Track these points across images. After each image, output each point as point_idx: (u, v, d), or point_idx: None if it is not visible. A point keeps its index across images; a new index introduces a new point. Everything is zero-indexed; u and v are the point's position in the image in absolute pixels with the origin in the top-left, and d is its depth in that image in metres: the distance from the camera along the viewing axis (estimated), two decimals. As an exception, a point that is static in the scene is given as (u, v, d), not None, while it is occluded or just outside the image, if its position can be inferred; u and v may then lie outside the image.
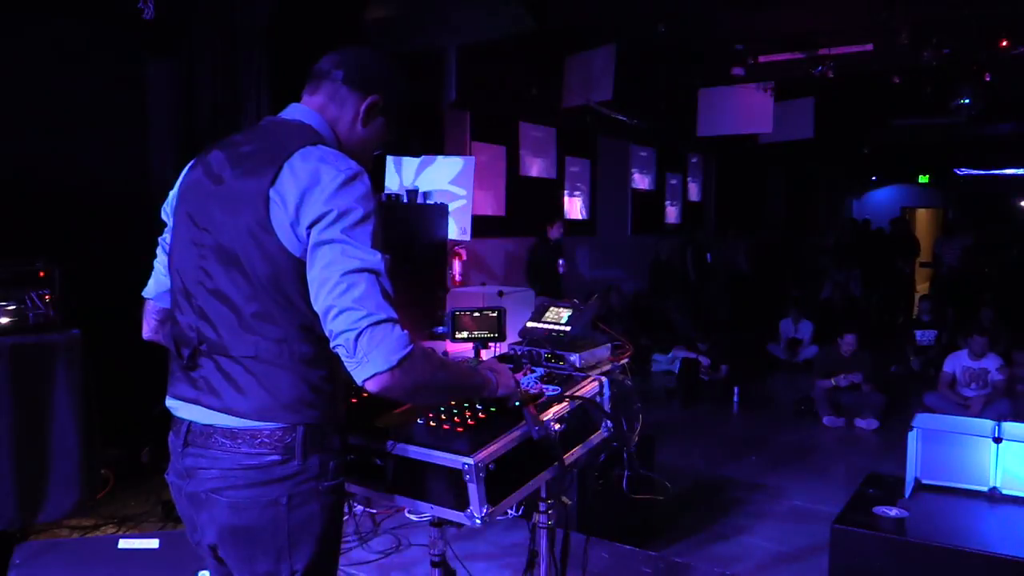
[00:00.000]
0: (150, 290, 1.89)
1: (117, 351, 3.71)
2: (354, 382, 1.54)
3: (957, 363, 7.25)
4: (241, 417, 1.58)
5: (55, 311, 3.76)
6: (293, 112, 1.75)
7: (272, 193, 1.55)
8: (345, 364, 1.53)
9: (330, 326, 1.51)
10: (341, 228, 1.52)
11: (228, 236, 1.59)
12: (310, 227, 1.52)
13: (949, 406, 6.95)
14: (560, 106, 9.13)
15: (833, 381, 7.26)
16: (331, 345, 1.53)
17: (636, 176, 12.35)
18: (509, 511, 3.71)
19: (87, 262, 4.32)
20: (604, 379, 2.16)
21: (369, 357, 1.47)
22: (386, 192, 6.20)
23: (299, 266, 1.56)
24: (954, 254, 11.91)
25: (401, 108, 1.81)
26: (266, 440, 1.58)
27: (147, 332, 1.90)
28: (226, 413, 1.59)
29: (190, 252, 1.67)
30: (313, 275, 1.53)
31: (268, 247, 1.55)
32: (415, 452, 1.73)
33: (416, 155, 6.74)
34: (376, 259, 1.51)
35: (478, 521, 1.65)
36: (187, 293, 1.67)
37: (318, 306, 1.52)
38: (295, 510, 1.59)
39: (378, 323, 1.48)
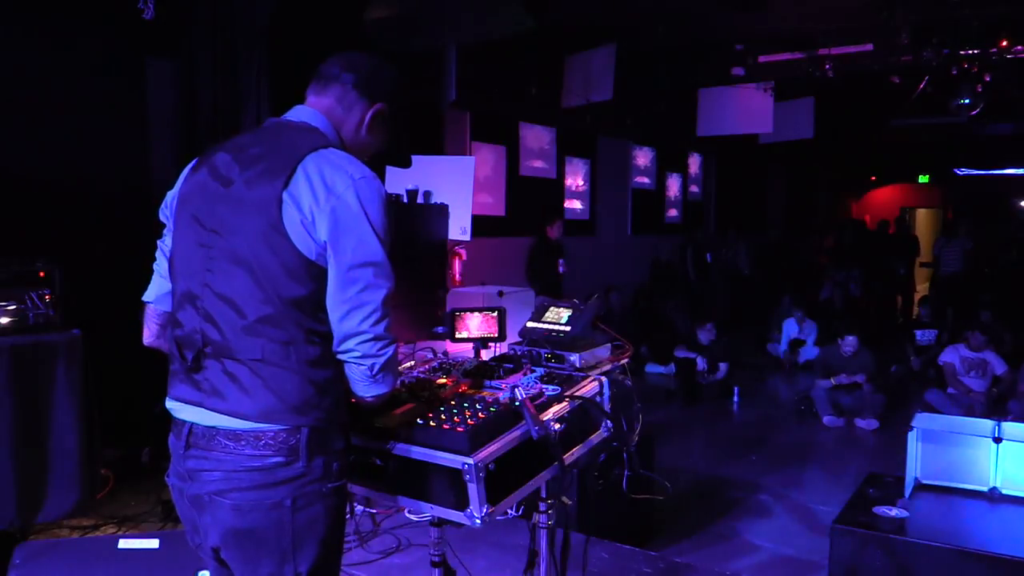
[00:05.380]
0: (150, 294, 1.88)
1: (117, 351, 3.70)
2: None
3: (955, 354, 7.27)
4: (246, 419, 1.58)
5: (55, 311, 3.76)
6: (299, 114, 1.76)
7: (286, 196, 1.56)
8: (357, 377, 1.63)
9: (356, 347, 1.59)
10: (368, 247, 1.58)
11: (240, 238, 1.59)
12: (331, 239, 1.56)
13: (953, 405, 6.96)
14: (560, 106, 9.13)
15: (833, 380, 7.26)
16: (343, 355, 1.62)
17: (636, 176, 12.35)
18: (509, 511, 3.71)
19: (87, 262, 4.32)
20: (604, 379, 2.16)
21: (386, 380, 1.65)
22: (386, 192, 6.20)
23: (311, 268, 1.57)
24: (955, 258, 11.88)
25: (402, 118, 1.84)
26: (270, 442, 1.58)
27: (148, 338, 1.89)
28: (231, 415, 1.59)
29: (196, 254, 1.67)
30: (348, 296, 1.58)
31: (281, 250, 1.56)
32: (415, 452, 1.73)
33: (416, 153, 6.73)
34: (392, 277, 1.62)
35: (478, 521, 1.65)
36: (191, 295, 1.67)
37: (348, 326, 1.59)
38: (299, 512, 1.59)
39: (394, 352, 1.64)
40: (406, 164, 1.98)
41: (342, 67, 1.77)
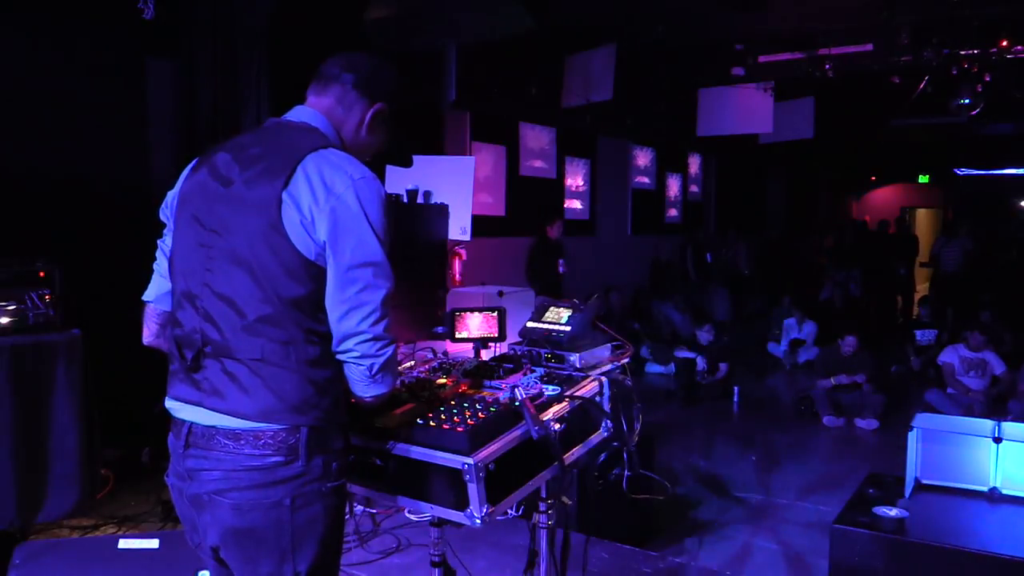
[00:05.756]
0: (150, 293, 1.88)
1: (117, 351, 3.71)
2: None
3: (954, 354, 7.28)
4: (245, 419, 1.58)
5: (55, 311, 3.75)
6: (299, 114, 1.76)
7: (285, 196, 1.56)
8: (356, 377, 1.63)
9: (355, 347, 1.59)
10: (367, 247, 1.58)
11: (239, 238, 1.59)
12: (331, 239, 1.56)
13: (952, 405, 6.96)
14: (560, 106, 9.13)
15: (833, 380, 7.26)
16: (342, 356, 1.61)
17: (636, 176, 12.36)
18: (509, 511, 3.71)
19: (87, 262, 4.32)
20: (604, 379, 2.16)
21: (385, 380, 1.65)
22: (386, 192, 6.20)
23: (310, 268, 1.57)
24: (955, 258, 11.87)
25: (401, 120, 1.84)
26: (269, 441, 1.58)
27: (148, 337, 1.89)
28: (230, 415, 1.59)
29: (196, 254, 1.67)
30: (347, 296, 1.58)
31: (280, 249, 1.56)
32: (415, 452, 1.73)
33: (416, 153, 6.75)
34: (392, 277, 1.61)
35: (478, 521, 1.65)
36: (191, 295, 1.67)
37: (347, 326, 1.59)
38: (299, 511, 1.59)
39: (393, 352, 1.64)
40: (407, 163, 1.99)
41: (342, 67, 1.77)
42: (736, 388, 8.09)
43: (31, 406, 3.60)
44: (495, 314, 2.44)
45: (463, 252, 7.15)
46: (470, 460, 1.63)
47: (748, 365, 9.06)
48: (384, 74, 1.81)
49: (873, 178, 20.43)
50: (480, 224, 7.69)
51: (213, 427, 1.61)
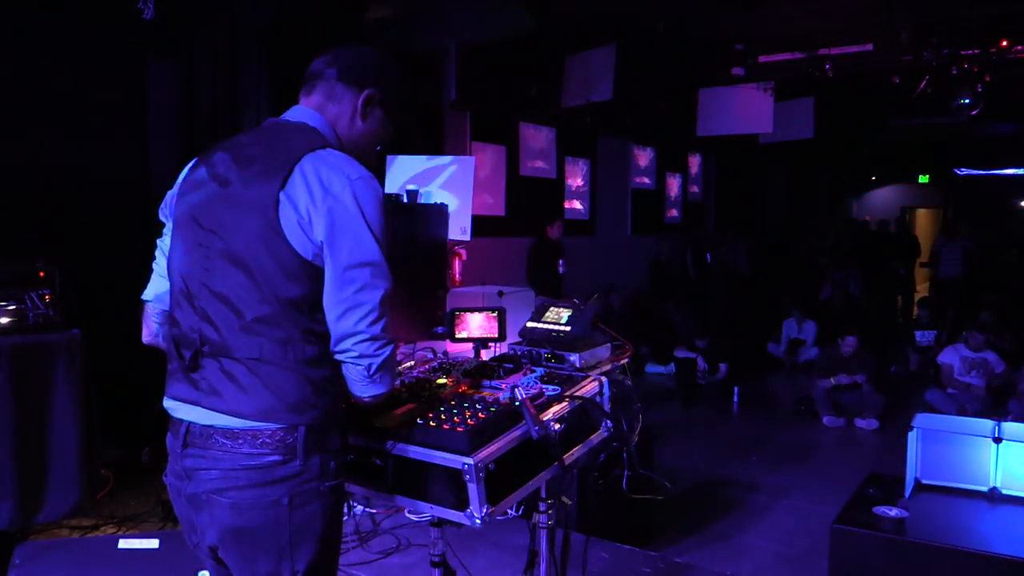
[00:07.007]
0: (149, 292, 1.88)
1: (117, 351, 3.71)
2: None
3: (955, 354, 7.27)
4: (243, 418, 1.58)
5: (55, 311, 3.76)
6: (296, 114, 1.76)
7: (282, 196, 1.56)
8: (354, 377, 1.62)
9: (353, 347, 1.59)
10: (365, 247, 1.57)
11: (237, 238, 1.59)
12: (328, 239, 1.56)
13: (952, 404, 6.96)
14: (560, 106, 9.13)
15: (833, 380, 7.26)
16: (340, 356, 1.61)
17: (636, 176, 12.36)
18: (509, 511, 3.71)
19: (87, 262, 4.32)
20: (604, 379, 2.16)
21: (383, 380, 1.64)
22: (386, 192, 6.20)
23: (308, 268, 1.57)
24: (954, 258, 11.85)
25: (398, 99, 1.83)
26: (267, 440, 1.58)
27: (147, 336, 1.89)
28: (228, 414, 1.59)
29: (194, 253, 1.67)
30: (345, 296, 1.57)
31: (278, 250, 1.56)
32: (415, 452, 1.73)
33: (416, 153, 6.76)
34: (390, 277, 1.61)
35: (478, 521, 1.65)
36: (189, 294, 1.67)
37: (344, 326, 1.58)
38: (297, 510, 1.59)
39: (392, 352, 1.62)
40: (415, 149, 1.98)
41: (325, 63, 1.78)
42: (736, 388, 8.09)
43: (31, 406, 3.60)
44: (495, 314, 2.44)
45: (463, 252, 7.14)
46: (470, 460, 1.63)
47: (748, 365, 9.06)
48: (368, 60, 1.80)
49: (873, 178, 20.42)
50: (480, 224, 7.69)
51: (211, 426, 1.61)
